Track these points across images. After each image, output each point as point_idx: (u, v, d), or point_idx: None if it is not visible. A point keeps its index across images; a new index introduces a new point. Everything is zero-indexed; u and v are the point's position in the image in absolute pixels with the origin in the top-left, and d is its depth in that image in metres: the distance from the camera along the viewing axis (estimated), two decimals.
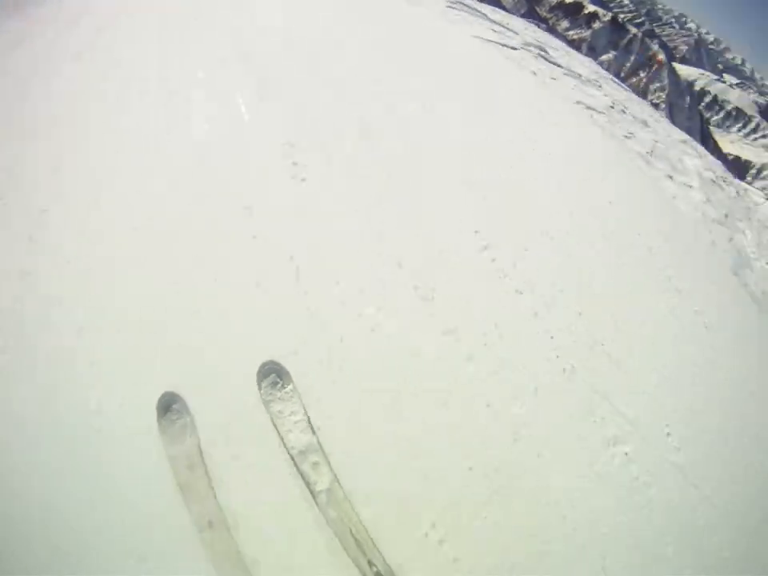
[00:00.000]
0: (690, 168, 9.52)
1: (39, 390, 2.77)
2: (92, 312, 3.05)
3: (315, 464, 2.59)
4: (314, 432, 2.63)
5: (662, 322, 3.93)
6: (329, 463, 2.62)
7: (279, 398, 2.67)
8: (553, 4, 28.30)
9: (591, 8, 29.05)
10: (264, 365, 2.75)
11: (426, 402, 2.90)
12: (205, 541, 2.43)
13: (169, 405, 2.72)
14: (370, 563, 2.55)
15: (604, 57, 26.48)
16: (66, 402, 2.73)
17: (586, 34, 26.51)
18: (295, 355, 2.90)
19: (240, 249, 3.41)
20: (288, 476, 2.55)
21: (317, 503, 2.60)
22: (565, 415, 3.10)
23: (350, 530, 2.62)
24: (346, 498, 2.64)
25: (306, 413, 2.66)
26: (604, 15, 28.55)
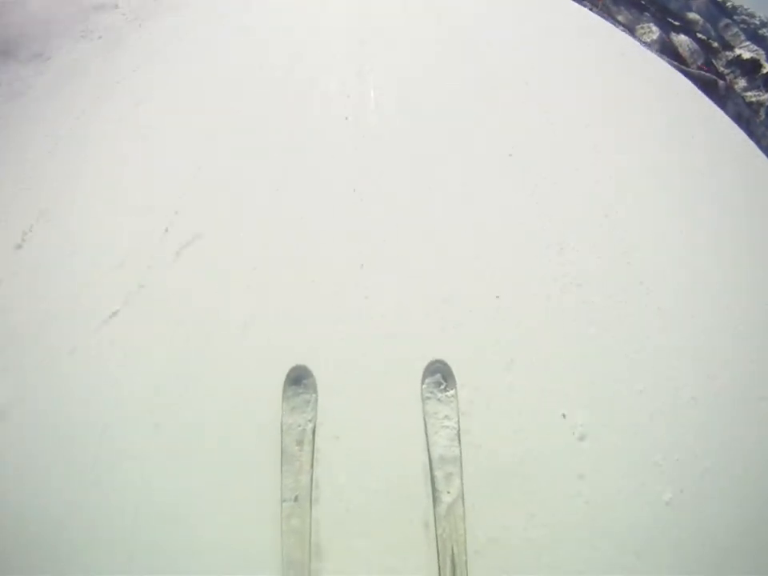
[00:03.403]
0: None
1: None
2: None
3: (449, 475, 2.53)
4: (459, 444, 2.57)
5: None
6: (461, 478, 2.55)
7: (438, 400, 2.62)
8: (730, 59, 25.89)
9: None
10: (432, 363, 2.72)
11: None
12: None
13: None
14: None
15: None
16: None
17: (765, 97, 24.01)
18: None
19: None
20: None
21: (434, 513, 2.55)
22: None
23: (452, 549, 2.56)
24: (464, 516, 2.56)
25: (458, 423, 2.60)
26: None
